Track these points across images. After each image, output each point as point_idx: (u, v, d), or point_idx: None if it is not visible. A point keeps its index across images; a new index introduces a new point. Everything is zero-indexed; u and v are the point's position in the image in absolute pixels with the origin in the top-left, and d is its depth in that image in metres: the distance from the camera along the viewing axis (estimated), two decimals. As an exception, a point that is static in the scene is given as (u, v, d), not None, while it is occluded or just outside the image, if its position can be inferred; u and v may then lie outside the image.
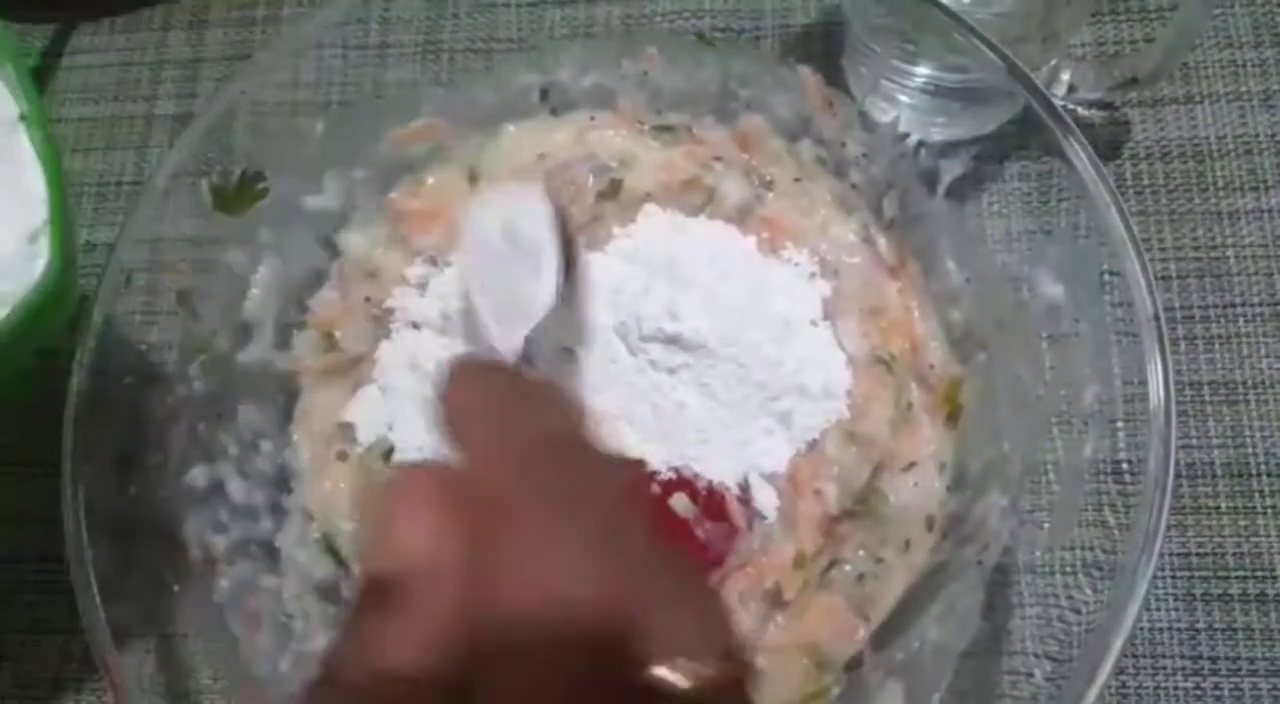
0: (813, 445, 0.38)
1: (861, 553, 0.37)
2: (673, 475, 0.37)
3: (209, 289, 0.36)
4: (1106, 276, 0.35)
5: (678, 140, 0.45)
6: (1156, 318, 0.34)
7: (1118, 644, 0.31)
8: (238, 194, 0.36)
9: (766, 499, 0.37)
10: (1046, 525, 0.37)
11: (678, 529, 0.36)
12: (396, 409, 0.39)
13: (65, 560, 0.32)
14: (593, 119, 0.45)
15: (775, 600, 0.37)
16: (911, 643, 0.36)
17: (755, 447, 0.38)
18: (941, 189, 0.42)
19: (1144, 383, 0.34)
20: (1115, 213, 0.34)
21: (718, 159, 0.44)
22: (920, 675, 0.35)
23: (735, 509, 0.36)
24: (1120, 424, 0.36)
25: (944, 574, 0.37)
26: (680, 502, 0.36)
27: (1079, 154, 0.36)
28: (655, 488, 0.36)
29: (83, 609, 0.32)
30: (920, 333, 0.41)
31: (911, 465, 0.38)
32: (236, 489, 0.37)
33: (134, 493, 0.34)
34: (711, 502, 0.36)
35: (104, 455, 0.34)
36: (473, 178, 0.43)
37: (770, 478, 0.38)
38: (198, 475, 0.36)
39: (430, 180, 0.43)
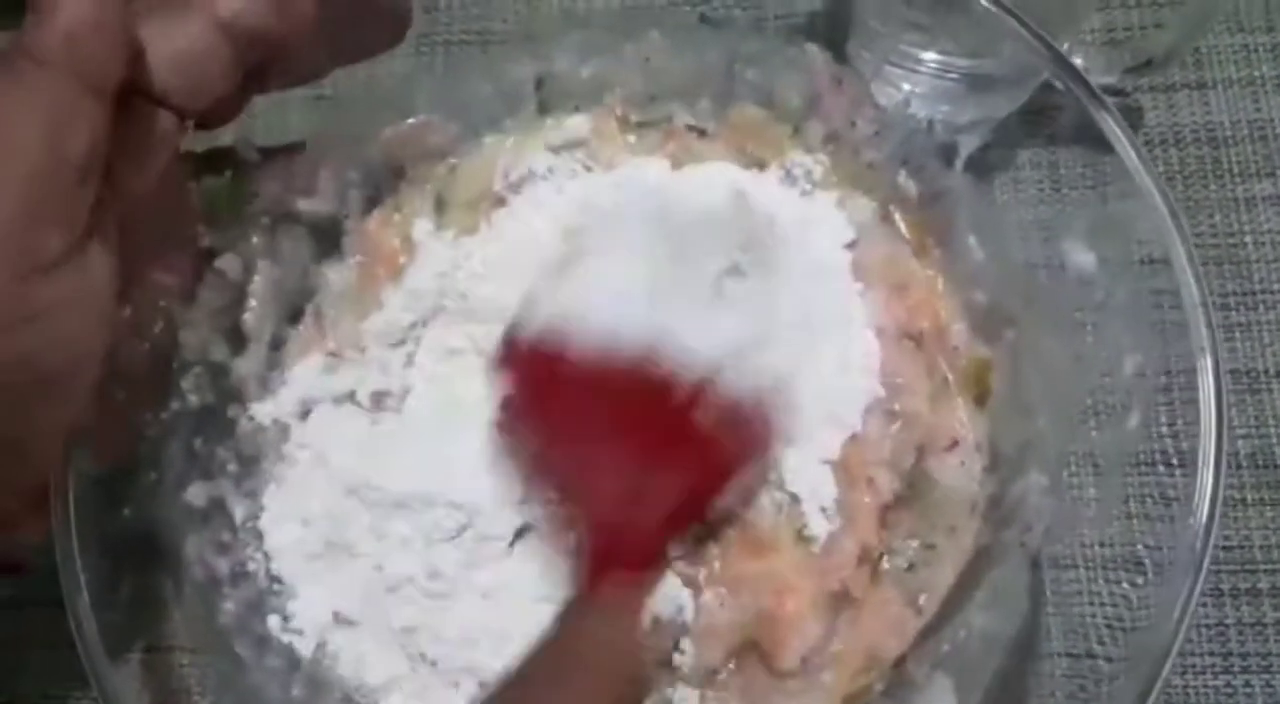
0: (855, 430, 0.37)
1: (912, 542, 0.36)
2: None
3: (201, 298, 0.34)
4: (1148, 265, 0.34)
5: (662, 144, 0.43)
6: (1205, 304, 0.33)
7: (1175, 646, 0.30)
8: (228, 196, 0.34)
9: (826, 492, 0.36)
10: (1093, 504, 0.37)
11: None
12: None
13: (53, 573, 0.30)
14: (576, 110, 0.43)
15: (842, 603, 0.35)
16: (957, 632, 0.35)
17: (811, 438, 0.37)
18: (960, 163, 0.41)
19: (1189, 371, 0.33)
20: (1161, 202, 0.33)
21: None
22: (968, 667, 0.34)
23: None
24: (1162, 401, 0.35)
25: (987, 558, 0.36)
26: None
27: (1119, 135, 0.35)
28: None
29: (77, 636, 0.30)
30: (944, 315, 0.40)
31: (954, 445, 0.37)
32: (238, 508, 0.35)
33: (129, 514, 0.32)
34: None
35: (95, 475, 0.32)
36: (440, 206, 0.41)
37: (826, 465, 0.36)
38: (196, 494, 0.34)
39: (403, 210, 0.41)
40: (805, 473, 0.36)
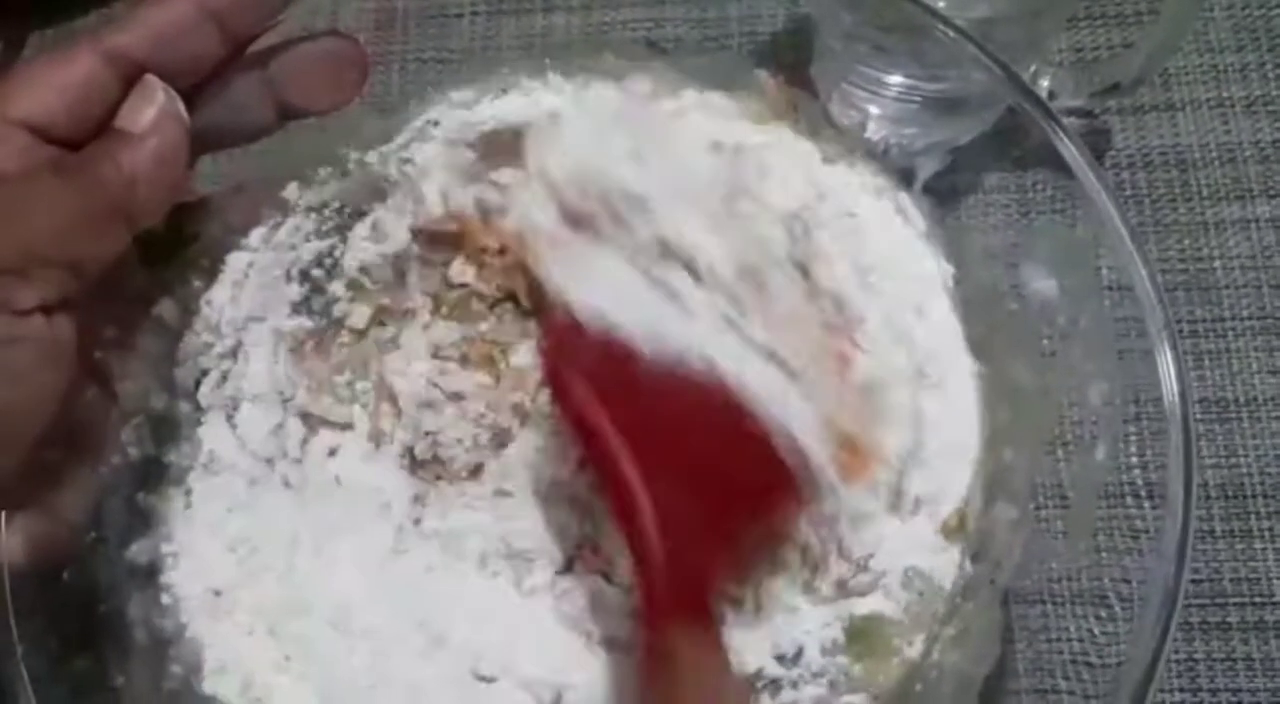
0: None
1: None
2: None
3: (140, 347, 0.33)
4: (1114, 292, 0.33)
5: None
6: (1168, 326, 0.32)
7: (1152, 685, 0.29)
8: (166, 241, 0.32)
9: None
10: (1062, 537, 0.36)
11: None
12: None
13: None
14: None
15: None
16: (928, 673, 0.34)
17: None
18: (918, 187, 0.40)
19: (1157, 401, 0.32)
20: (1122, 227, 0.33)
21: None
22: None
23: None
24: (1131, 432, 0.35)
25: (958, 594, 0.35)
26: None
27: (1078, 159, 0.34)
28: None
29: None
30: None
31: None
32: (181, 561, 0.34)
33: (68, 578, 0.31)
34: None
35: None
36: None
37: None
38: (139, 551, 0.32)
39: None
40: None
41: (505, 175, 0.36)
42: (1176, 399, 0.32)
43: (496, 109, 0.39)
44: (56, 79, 0.28)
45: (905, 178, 0.40)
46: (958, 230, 0.40)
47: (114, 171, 0.28)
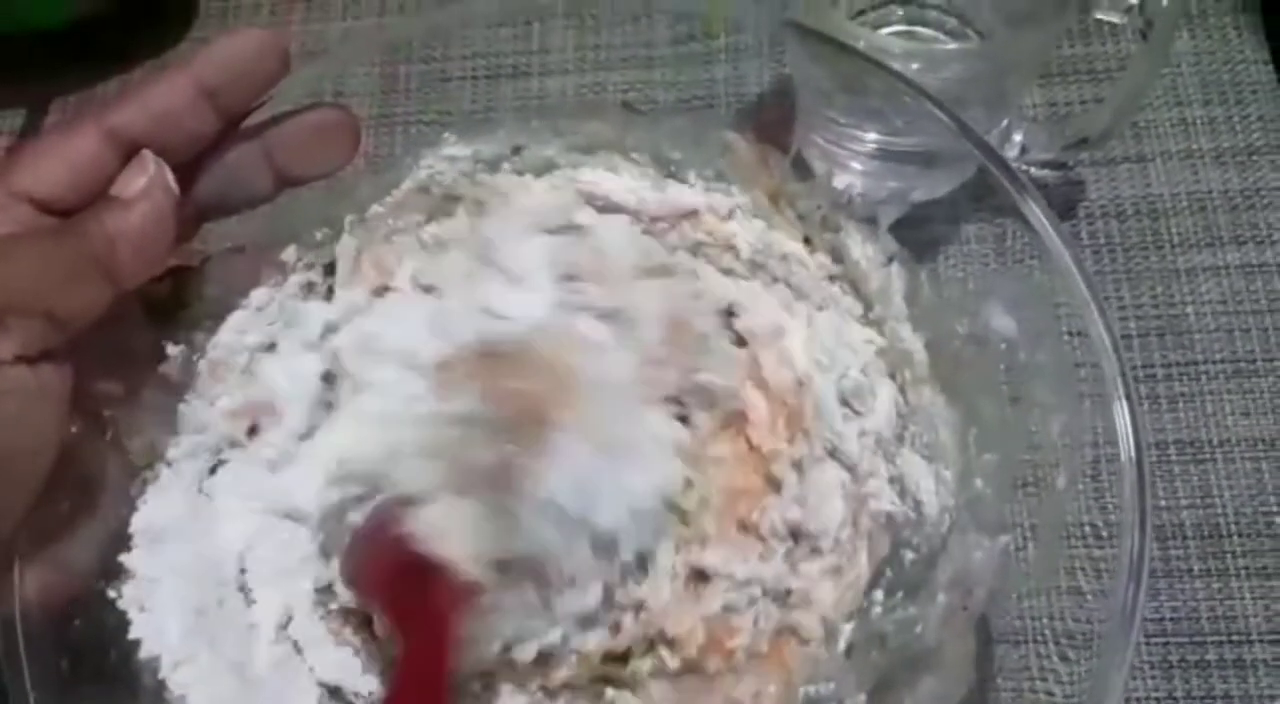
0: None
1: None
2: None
3: (145, 401, 0.35)
4: (1075, 337, 0.34)
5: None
6: (1123, 375, 0.33)
7: None
8: (169, 303, 0.34)
9: None
10: (1032, 571, 0.37)
11: None
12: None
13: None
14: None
15: None
16: (901, 699, 0.35)
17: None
18: (882, 232, 0.41)
19: (1112, 443, 0.33)
20: (1078, 275, 0.34)
21: None
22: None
23: None
24: (1107, 473, 0.35)
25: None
26: None
27: (1036, 214, 0.35)
28: None
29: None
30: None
31: None
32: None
33: (79, 625, 0.32)
34: None
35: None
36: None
37: None
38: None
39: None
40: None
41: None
42: (1131, 444, 0.33)
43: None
44: (60, 155, 0.30)
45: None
46: (925, 276, 0.41)
47: (96, 229, 0.29)
